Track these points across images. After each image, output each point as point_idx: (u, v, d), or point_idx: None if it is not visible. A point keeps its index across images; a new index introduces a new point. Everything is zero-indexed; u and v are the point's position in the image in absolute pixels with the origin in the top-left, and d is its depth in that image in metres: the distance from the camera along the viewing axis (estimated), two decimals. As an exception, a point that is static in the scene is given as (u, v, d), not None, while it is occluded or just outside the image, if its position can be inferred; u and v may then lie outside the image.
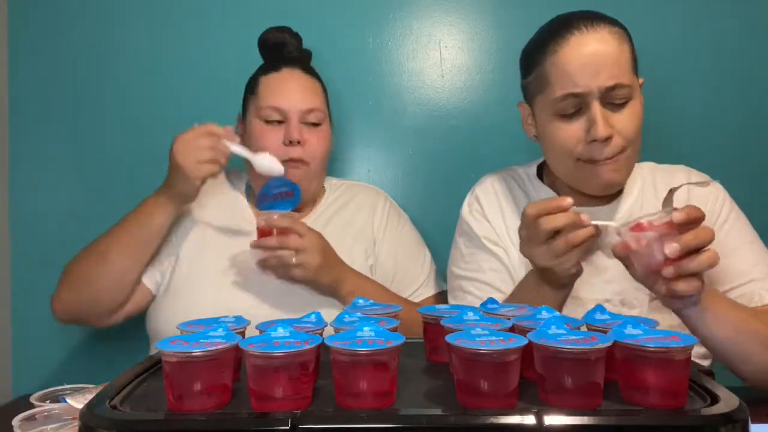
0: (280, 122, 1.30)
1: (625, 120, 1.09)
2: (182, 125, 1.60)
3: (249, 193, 1.39)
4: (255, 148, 1.28)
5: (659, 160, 1.27)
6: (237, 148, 1.21)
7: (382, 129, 1.62)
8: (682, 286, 0.90)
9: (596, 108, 1.07)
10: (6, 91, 1.62)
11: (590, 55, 1.07)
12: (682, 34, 1.57)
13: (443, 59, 1.61)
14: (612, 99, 1.08)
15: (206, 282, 1.26)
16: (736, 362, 1.02)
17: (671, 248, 0.87)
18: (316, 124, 1.32)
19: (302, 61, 1.39)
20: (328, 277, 1.21)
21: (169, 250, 1.30)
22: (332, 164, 1.61)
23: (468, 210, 1.27)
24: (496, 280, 1.20)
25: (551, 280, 1.04)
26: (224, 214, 1.34)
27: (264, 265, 1.21)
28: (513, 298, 1.12)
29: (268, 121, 1.30)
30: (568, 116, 1.10)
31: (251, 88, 1.35)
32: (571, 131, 1.10)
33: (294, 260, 1.17)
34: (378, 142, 1.63)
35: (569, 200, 0.98)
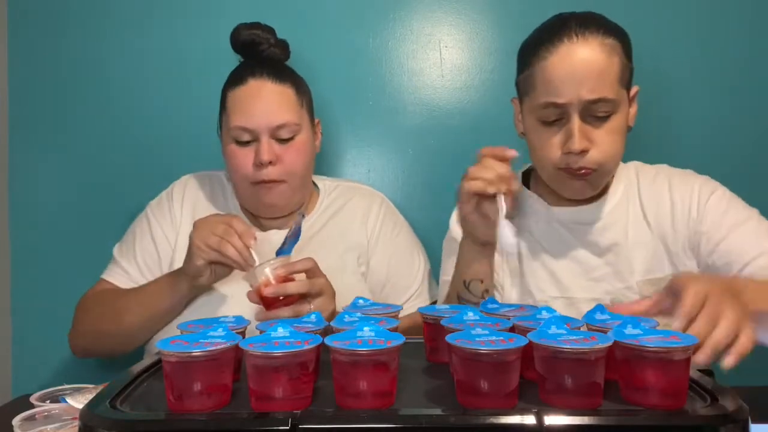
0: (251, 141, 1.24)
1: (604, 135, 1.09)
2: (182, 125, 1.61)
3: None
4: (229, 170, 1.29)
5: (661, 161, 1.28)
6: (256, 257, 1.12)
7: (382, 129, 1.62)
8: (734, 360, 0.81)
9: (575, 121, 1.07)
10: (6, 92, 1.62)
11: (575, 65, 1.06)
12: (683, 34, 1.57)
13: (443, 59, 1.61)
14: (593, 112, 1.08)
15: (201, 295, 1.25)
16: None
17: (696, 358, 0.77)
18: (289, 139, 1.26)
19: (274, 62, 1.31)
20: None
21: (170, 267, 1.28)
22: (333, 164, 1.61)
23: (454, 220, 1.28)
24: None
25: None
26: None
27: (273, 317, 1.08)
28: (457, 265, 1.18)
29: (238, 142, 1.25)
30: (549, 123, 1.11)
31: (222, 103, 1.30)
32: (551, 140, 1.11)
33: (312, 308, 1.10)
34: (378, 142, 1.63)
35: (512, 153, 1.06)
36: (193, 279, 1.17)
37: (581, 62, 1.06)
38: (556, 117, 1.09)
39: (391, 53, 1.61)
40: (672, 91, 1.56)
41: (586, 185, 1.14)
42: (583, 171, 1.10)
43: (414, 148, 1.62)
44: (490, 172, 1.05)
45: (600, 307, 0.84)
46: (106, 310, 1.26)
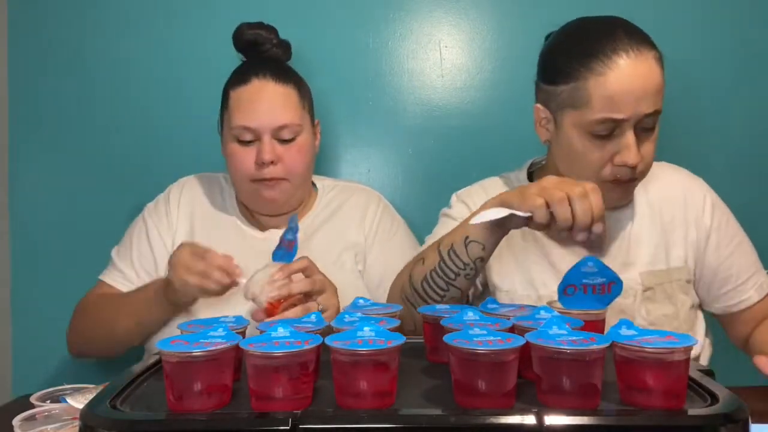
0: (252, 141, 1.25)
1: (650, 146, 1.11)
2: (182, 126, 1.61)
3: (237, 201, 1.38)
4: (230, 168, 1.28)
5: (675, 162, 1.29)
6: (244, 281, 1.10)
7: (382, 129, 1.62)
8: None
9: (630, 135, 1.08)
10: (6, 92, 1.62)
11: (635, 82, 1.06)
12: (700, 34, 1.57)
13: (443, 59, 1.61)
14: (644, 124, 1.08)
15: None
16: None
17: None
18: (291, 140, 1.26)
19: (276, 63, 1.32)
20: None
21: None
22: (333, 164, 1.61)
23: (455, 198, 1.29)
24: None
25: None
26: (218, 229, 1.33)
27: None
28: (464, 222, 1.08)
29: (240, 141, 1.26)
30: (600, 137, 1.09)
31: (224, 101, 1.30)
32: (602, 153, 1.10)
33: (320, 307, 1.10)
34: (378, 142, 1.63)
35: None
36: (183, 308, 1.22)
37: (641, 78, 1.06)
38: (609, 131, 1.08)
39: (391, 53, 1.61)
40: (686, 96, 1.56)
41: (626, 193, 1.16)
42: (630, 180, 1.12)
43: (414, 148, 1.62)
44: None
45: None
46: (99, 317, 1.28)
